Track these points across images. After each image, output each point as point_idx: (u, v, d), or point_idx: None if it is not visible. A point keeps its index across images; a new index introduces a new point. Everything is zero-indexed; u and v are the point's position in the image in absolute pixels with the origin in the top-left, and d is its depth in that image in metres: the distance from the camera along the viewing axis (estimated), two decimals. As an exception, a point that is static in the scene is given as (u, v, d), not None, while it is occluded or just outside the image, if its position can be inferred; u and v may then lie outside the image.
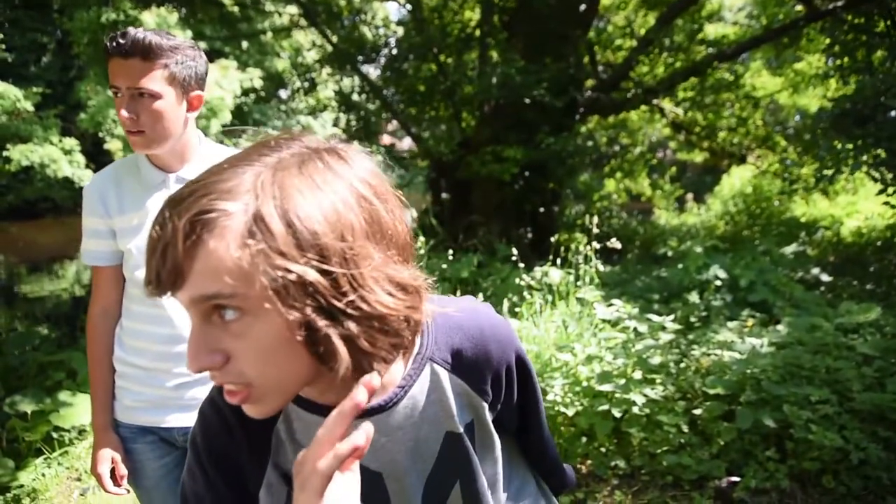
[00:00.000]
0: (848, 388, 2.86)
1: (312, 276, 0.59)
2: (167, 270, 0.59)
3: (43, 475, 3.04)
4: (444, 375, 0.83)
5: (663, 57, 8.86)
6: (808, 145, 5.88)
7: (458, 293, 4.27)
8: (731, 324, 3.82)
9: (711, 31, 11.24)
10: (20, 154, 15.49)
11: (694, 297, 4.47)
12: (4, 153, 15.53)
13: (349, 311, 0.61)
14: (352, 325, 0.62)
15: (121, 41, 1.30)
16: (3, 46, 16.61)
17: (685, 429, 2.81)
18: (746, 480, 2.62)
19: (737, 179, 12.19)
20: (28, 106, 16.48)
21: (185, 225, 0.58)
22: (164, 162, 1.47)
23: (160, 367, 1.48)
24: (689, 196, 15.27)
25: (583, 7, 7.56)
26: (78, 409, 3.35)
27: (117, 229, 1.47)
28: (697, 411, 2.90)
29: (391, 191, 0.69)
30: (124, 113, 1.34)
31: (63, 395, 3.44)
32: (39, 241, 13.08)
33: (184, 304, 0.62)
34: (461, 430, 0.85)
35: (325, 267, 0.59)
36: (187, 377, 1.48)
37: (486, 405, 0.87)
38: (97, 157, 17.37)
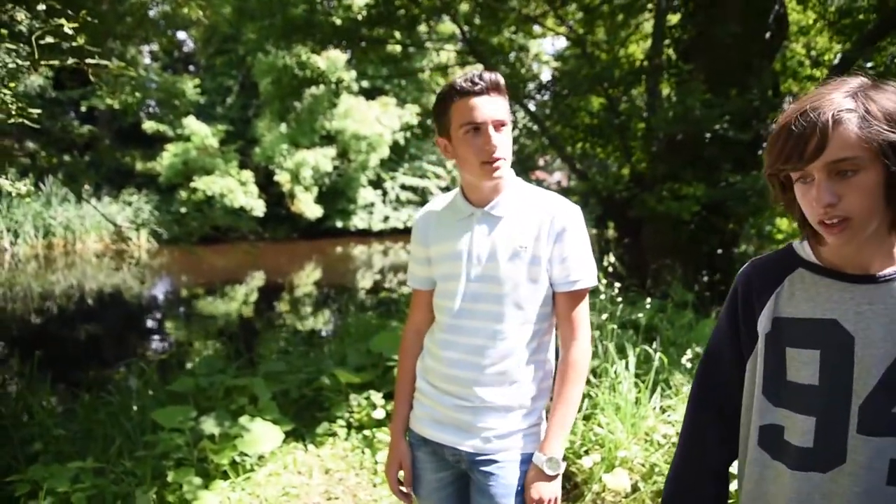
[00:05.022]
0: None
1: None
2: (812, 148, 0.96)
3: (228, 498, 3.09)
4: None
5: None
6: None
7: (639, 339, 3.94)
8: None
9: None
10: (205, 185, 17.25)
11: None
12: (191, 184, 17.37)
13: None
14: None
15: (479, 82, 1.46)
16: (199, 90, 18.70)
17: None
18: None
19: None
20: (214, 142, 18.40)
21: (826, 120, 0.95)
22: (478, 196, 1.57)
23: (445, 387, 1.60)
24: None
25: (769, 34, 7.00)
26: (259, 436, 3.41)
27: (432, 257, 1.65)
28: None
29: None
30: (498, 143, 1.48)
31: (245, 420, 3.53)
32: (218, 265, 14.23)
33: (817, 167, 0.96)
34: None
35: None
36: (465, 402, 1.57)
37: None
38: (268, 188, 18.88)
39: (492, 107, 1.46)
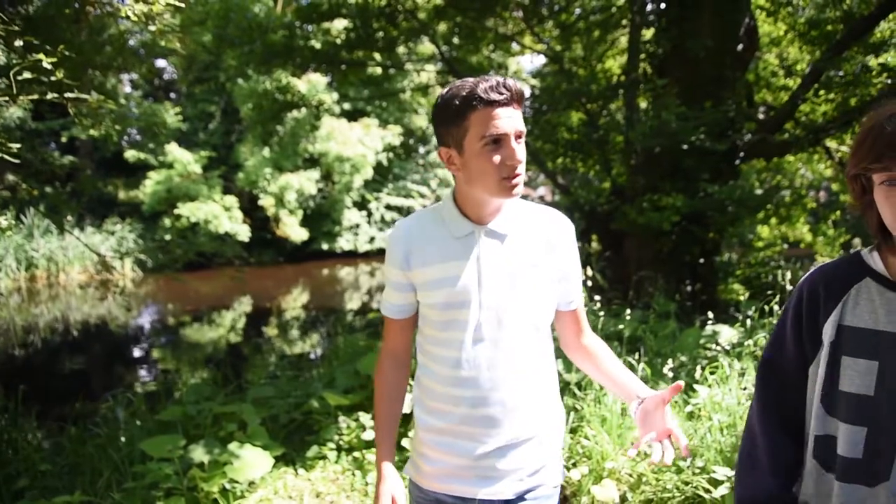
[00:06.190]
0: None
1: None
2: None
3: (218, 528, 3.07)
4: None
5: (833, 93, 8.15)
6: None
7: (623, 350, 3.98)
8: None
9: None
10: (189, 211, 17.18)
11: None
12: (175, 211, 17.28)
13: None
14: None
15: (504, 91, 1.28)
16: (181, 117, 18.69)
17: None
18: None
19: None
20: (197, 168, 18.35)
21: None
22: (480, 212, 1.40)
23: (463, 430, 1.41)
24: (857, 241, 13.89)
25: (741, 47, 7.15)
26: (249, 462, 3.40)
27: (418, 283, 1.44)
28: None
29: None
30: (521, 157, 1.32)
31: (234, 447, 3.51)
32: (204, 292, 14.13)
33: None
34: None
35: None
36: (488, 446, 1.40)
37: None
38: (252, 213, 18.82)
39: (515, 117, 1.31)
